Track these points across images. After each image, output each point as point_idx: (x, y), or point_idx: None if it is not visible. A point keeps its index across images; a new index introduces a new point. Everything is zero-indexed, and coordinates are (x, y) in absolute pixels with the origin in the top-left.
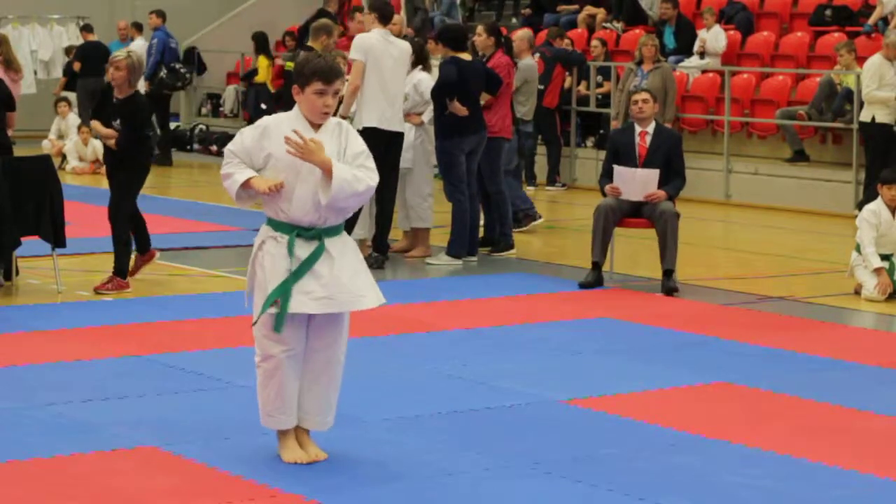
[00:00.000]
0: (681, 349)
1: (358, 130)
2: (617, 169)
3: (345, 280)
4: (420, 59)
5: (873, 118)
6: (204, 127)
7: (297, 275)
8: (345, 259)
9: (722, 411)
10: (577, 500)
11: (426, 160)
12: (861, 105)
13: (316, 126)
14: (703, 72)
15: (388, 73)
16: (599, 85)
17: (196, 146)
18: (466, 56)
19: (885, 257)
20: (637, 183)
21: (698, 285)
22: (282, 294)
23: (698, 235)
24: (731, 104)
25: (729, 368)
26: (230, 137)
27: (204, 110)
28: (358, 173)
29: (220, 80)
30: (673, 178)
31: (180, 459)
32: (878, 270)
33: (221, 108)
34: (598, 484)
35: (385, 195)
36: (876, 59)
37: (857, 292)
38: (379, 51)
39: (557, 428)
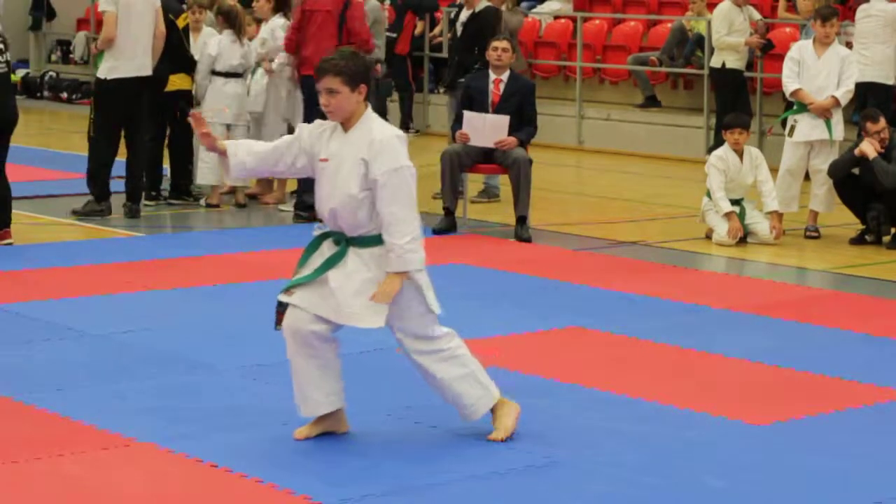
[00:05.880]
0: (534, 294)
1: (105, 80)
2: (467, 115)
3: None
4: (280, 6)
5: (723, 64)
6: (54, 74)
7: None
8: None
9: (575, 355)
10: (429, 442)
11: (277, 106)
12: (711, 51)
13: (345, 127)
14: (556, 17)
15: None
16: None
17: (46, 93)
18: None
19: (734, 202)
20: (487, 129)
21: (552, 231)
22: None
23: (551, 181)
24: (583, 50)
25: (582, 313)
26: (80, 84)
27: (54, 57)
28: (397, 243)
29: (70, 26)
30: (525, 125)
31: (32, 409)
32: (728, 215)
33: (71, 55)
34: (438, 425)
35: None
36: (725, 6)
37: (709, 237)
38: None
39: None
